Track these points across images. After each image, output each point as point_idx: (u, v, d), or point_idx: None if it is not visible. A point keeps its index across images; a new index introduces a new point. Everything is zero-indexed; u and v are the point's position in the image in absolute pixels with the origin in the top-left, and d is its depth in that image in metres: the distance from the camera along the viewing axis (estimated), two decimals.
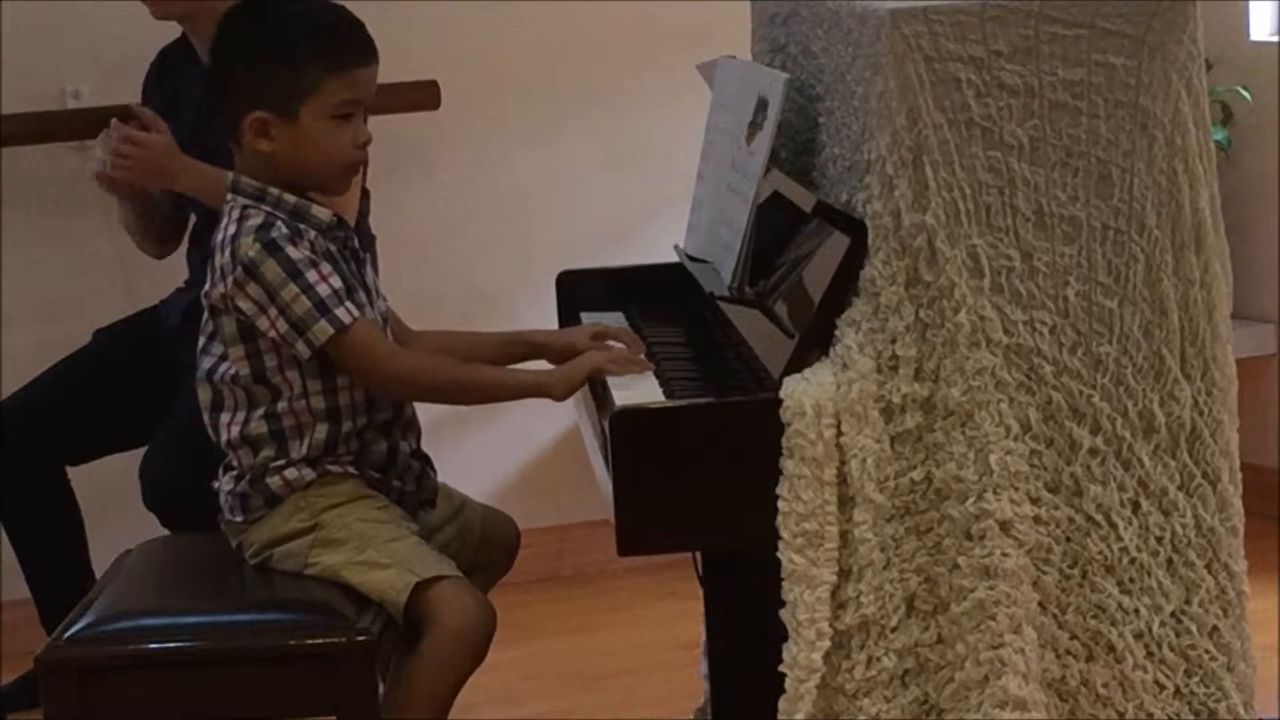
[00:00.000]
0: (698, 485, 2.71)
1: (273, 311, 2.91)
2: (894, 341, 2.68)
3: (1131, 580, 2.75)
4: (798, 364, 2.72)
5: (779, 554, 2.67)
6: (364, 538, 2.96)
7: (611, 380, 2.95)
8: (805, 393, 2.67)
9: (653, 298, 3.47)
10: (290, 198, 2.97)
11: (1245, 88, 4.80)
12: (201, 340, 3.03)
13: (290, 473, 2.98)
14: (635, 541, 2.73)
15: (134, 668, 2.86)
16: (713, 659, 3.17)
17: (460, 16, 4.64)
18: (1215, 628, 2.78)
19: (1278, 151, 4.80)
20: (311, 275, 2.91)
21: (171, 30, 3.99)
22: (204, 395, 3.03)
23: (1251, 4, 4.92)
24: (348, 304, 2.92)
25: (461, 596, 2.91)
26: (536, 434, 4.81)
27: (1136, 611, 2.75)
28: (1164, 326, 2.75)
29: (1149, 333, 2.75)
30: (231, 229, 2.95)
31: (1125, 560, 2.74)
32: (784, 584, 2.67)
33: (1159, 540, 2.76)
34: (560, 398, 2.96)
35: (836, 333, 2.72)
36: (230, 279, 2.92)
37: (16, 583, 4.17)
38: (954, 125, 2.69)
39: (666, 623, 4.37)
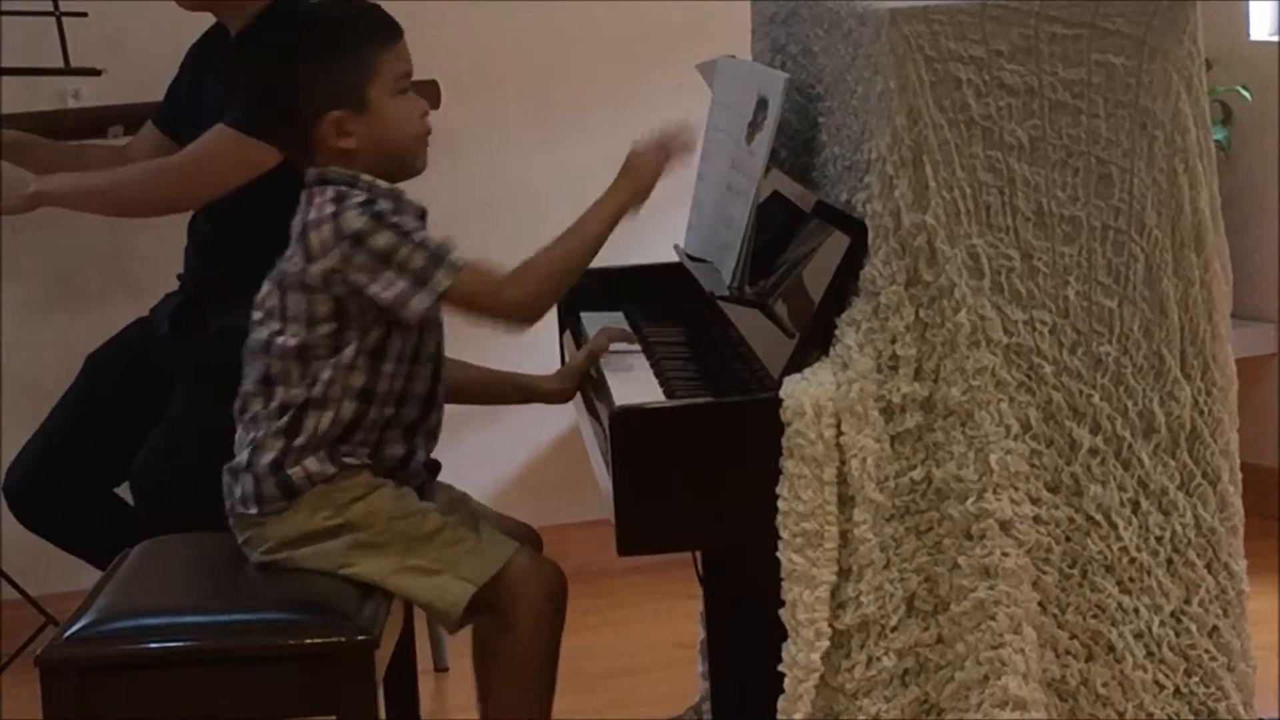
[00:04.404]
0: (698, 485, 2.71)
1: (389, 274, 2.88)
2: (894, 341, 2.68)
3: (1131, 580, 2.75)
4: (798, 364, 2.72)
5: (779, 554, 2.67)
6: (407, 540, 2.95)
7: (611, 380, 2.96)
8: (805, 392, 2.67)
9: (653, 298, 3.47)
10: (383, 184, 2.98)
11: (1245, 88, 4.80)
12: (257, 315, 3.00)
13: (311, 463, 2.95)
14: (635, 541, 2.73)
15: (134, 668, 2.86)
16: (712, 659, 3.17)
17: (460, 16, 4.64)
18: (1215, 628, 2.78)
19: (1278, 151, 4.80)
20: (420, 234, 2.92)
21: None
22: (256, 368, 3.00)
23: (1251, 4, 4.92)
24: (456, 250, 2.93)
25: (525, 581, 2.94)
26: (536, 434, 4.81)
27: (1136, 611, 2.75)
28: (1164, 326, 2.75)
29: (1149, 332, 2.75)
30: (329, 208, 2.92)
31: (1125, 560, 2.74)
32: (784, 584, 2.67)
33: (1159, 540, 2.76)
34: (640, 202, 3.03)
35: (836, 332, 2.72)
36: (336, 252, 2.89)
37: (17, 582, 4.17)
38: (954, 125, 2.69)
39: (666, 623, 4.37)
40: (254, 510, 2.99)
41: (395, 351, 2.97)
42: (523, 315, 2.98)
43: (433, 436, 3.08)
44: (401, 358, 2.98)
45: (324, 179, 2.98)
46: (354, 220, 2.89)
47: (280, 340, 2.96)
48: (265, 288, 3.02)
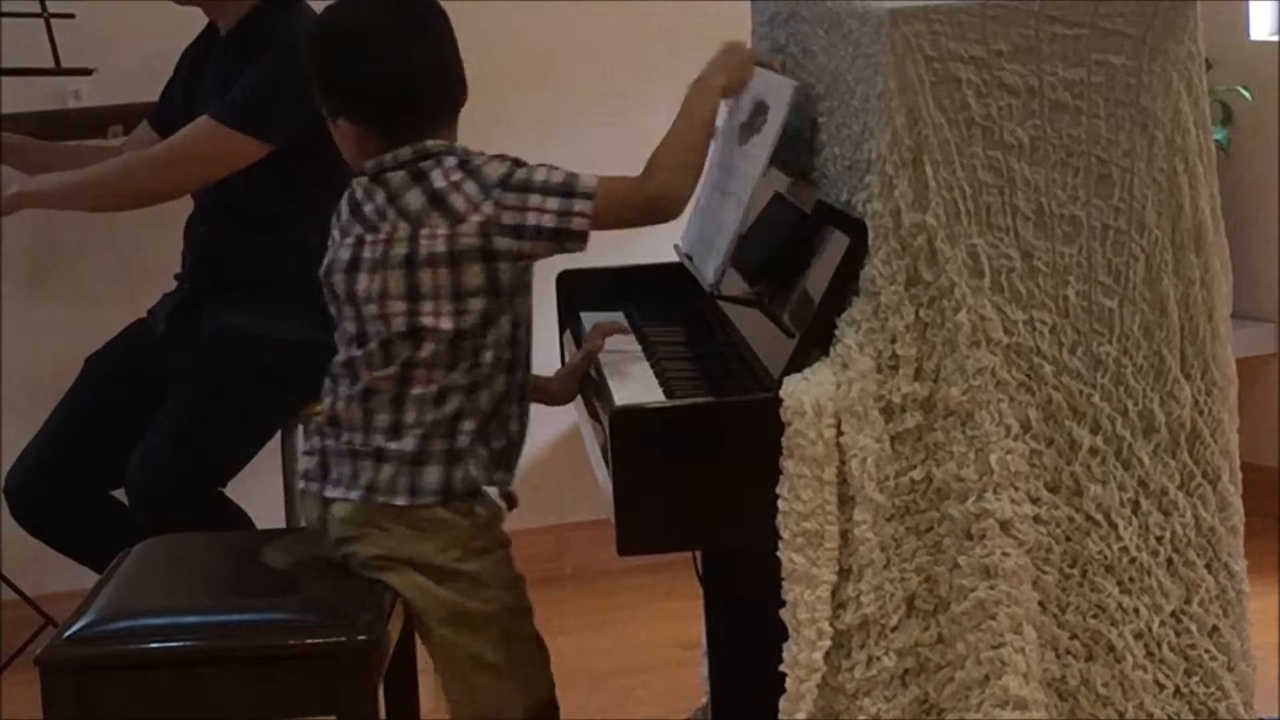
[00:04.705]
0: (698, 485, 2.71)
1: (536, 197, 2.91)
2: (894, 341, 2.68)
3: (1131, 580, 2.75)
4: (798, 364, 2.72)
5: (779, 554, 2.67)
6: (502, 628, 2.98)
7: (611, 380, 2.95)
8: (805, 392, 2.67)
9: (653, 298, 3.47)
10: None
11: (1245, 88, 4.80)
12: (372, 308, 2.94)
13: (473, 466, 2.93)
14: (635, 541, 2.73)
15: (134, 668, 2.86)
16: (713, 659, 3.17)
17: (459, 15, 4.63)
18: (1215, 627, 2.78)
19: (1278, 151, 4.80)
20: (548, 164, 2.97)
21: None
22: (385, 353, 2.95)
23: (1251, 4, 4.92)
24: None
25: None
26: (536, 434, 4.78)
27: (1136, 611, 2.75)
28: (1164, 326, 2.75)
29: (1149, 332, 2.75)
30: (456, 175, 2.94)
31: (1125, 560, 2.74)
32: (784, 583, 2.67)
33: (1159, 540, 2.76)
34: (734, 89, 3.11)
35: (836, 332, 2.72)
36: (488, 202, 2.91)
37: (16, 582, 4.17)
38: (954, 125, 2.69)
39: (666, 623, 4.37)
40: (401, 501, 2.93)
41: (521, 317, 3.00)
42: (669, 203, 2.99)
43: (529, 399, 3.09)
44: (519, 322, 3.00)
45: (425, 153, 2.97)
46: (494, 170, 2.94)
47: (429, 322, 2.91)
48: (364, 279, 2.94)
